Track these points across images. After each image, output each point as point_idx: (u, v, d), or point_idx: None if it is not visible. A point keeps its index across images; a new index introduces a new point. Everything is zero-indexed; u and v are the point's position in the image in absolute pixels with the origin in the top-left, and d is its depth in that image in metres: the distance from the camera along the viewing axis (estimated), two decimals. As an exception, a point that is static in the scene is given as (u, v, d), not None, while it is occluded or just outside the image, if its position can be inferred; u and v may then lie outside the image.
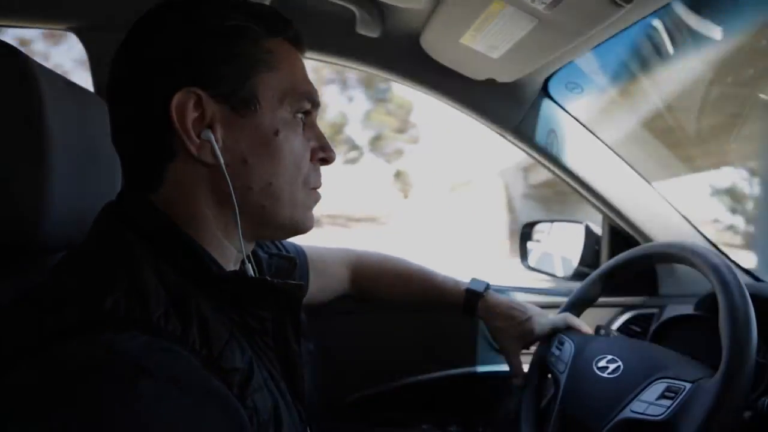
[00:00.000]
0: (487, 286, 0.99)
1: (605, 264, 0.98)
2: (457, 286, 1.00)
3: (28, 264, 0.65)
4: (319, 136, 0.63)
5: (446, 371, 1.28)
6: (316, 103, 0.61)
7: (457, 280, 1.02)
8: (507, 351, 0.95)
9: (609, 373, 0.78)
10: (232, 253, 0.60)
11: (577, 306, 1.00)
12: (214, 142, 0.54)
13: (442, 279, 1.03)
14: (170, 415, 0.40)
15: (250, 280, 0.56)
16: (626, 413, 0.71)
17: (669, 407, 0.67)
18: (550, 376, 0.91)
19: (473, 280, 1.01)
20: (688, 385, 0.68)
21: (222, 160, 0.54)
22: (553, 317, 0.96)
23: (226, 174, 0.55)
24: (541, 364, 0.93)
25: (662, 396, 0.69)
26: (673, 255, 0.86)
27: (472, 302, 0.98)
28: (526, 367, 0.97)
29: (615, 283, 0.98)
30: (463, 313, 0.99)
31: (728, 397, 0.62)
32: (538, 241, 1.57)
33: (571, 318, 0.95)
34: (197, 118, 0.54)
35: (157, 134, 0.54)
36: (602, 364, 0.81)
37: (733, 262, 1.22)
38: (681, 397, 0.67)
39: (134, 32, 0.56)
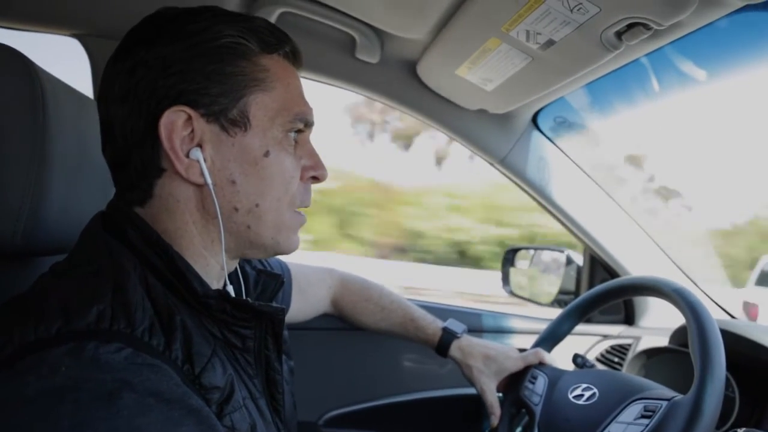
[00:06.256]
0: (465, 330, 1.01)
1: (578, 299, 1.01)
2: (434, 324, 1.02)
3: (19, 268, 0.65)
4: (312, 154, 0.61)
5: (424, 392, 1.29)
6: (309, 123, 0.60)
7: (434, 318, 1.03)
8: (483, 390, 0.97)
9: (585, 401, 0.80)
10: (215, 269, 0.59)
11: (549, 341, 1.02)
12: (203, 162, 0.53)
13: (421, 314, 1.04)
14: (149, 428, 0.40)
15: (232, 300, 0.55)
16: None
17: (647, 426, 0.69)
18: (524, 410, 0.92)
19: (452, 320, 1.02)
20: (664, 403, 0.70)
21: (210, 181, 0.54)
22: (524, 353, 0.98)
23: (214, 194, 0.54)
24: (514, 398, 0.94)
25: (640, 416, 0.71)
26: (645, 288, 0.89)
27: (447, 342, 0.99)
28: None
29: (590, 315, 1.00)
30: (436, 351, 1.00)
31: (704, 408, 0.65)
32: (520, 267, 1.60)
33: (542, 353, 0.97)
34: (186, 137, 0.53)
35: (146, 151, 0.53)
36: (577, 392, 0.83)
37: (708, 296, 1.25)
38: (658, 414, 0.69)
39: (126, 44, 0.55)
